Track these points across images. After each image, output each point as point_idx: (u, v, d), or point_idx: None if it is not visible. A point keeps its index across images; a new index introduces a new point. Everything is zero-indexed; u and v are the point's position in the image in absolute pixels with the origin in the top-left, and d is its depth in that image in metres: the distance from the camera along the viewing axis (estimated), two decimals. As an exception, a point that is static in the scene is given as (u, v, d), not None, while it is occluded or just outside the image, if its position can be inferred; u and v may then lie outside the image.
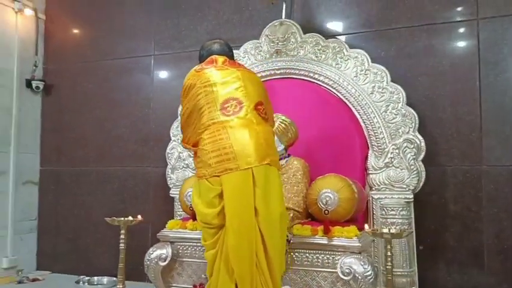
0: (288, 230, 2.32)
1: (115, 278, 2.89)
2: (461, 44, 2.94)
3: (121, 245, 2.59)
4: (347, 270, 2.16)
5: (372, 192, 2.78)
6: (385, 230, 2.16)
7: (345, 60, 2.96)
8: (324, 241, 2.28)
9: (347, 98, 2.92)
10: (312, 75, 3.02)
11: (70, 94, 4.06)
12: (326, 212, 2.36)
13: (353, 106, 2.90)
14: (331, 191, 2.37)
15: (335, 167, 2.68)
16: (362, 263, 2.15)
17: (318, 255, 2.29)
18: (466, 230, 2.81)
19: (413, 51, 3.01)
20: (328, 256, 2.28)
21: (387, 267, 2.10)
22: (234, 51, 3.19)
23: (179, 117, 2.63)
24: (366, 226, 2.18)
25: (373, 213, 2.77)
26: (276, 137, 2.58)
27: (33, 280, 3.57)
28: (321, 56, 3.02)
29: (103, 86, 3.95)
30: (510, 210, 2.72)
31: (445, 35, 2.95)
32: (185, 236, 2.57)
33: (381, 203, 2.74)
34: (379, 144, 2.80)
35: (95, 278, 3.49)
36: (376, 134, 2.81)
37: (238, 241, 1.86)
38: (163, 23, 3.74)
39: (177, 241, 2.59)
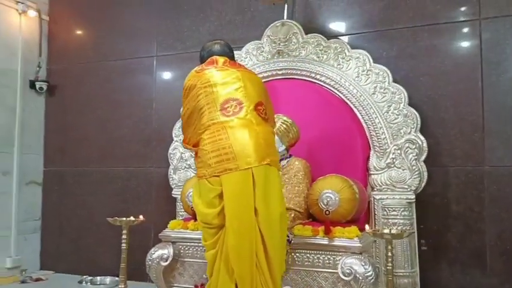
0: (289, 231, 2.32)
1: (117, 278, 2.90)
2: (463, 44, 2.93)
3: (122, 245, 2.60)
4: (348, 271, 2.16)
5: (374, 192, 2.78)
6: (386, 231, 2.16)
7: (347, 61, 2.96)
8: (325, 241, 2.27)
9: (348, 99, 2.92)
10: (313, 75, 3.02)
11: (73, 95, 4.08)
12: (327, 212, 2.36)
13: (355, 106, 2.90)
14: (332, 191, 2.37)
15: (337, 168, 2.68)
16: (363, 264, 2.15)
17: (319, 255, 2.29)
18: (468, 231, 2.79)
19: (415, 51, 3.00)
20: (329, 256, 2.27)
21: (388, 267, 2.10)
22: (236, 52, 3.23)
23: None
24: (366, 226, 2.18)
25: (375, 214, 2.76)
26: (277, 138, 2.59)
27: (37, 280, 3.59)
28: (322, 57, 3.02)
29: (105, 86, 3.97)
30: (513, 211, 2.72)
31: (447, 35, 2.94)
32: (186, 236, 2.58)
33: (383, 203, 2.74)
34: (381, 145, 2.80)
35: (98, 277, 3.50)
36: (378, 134, 2.81)
37: (238, 241, 1.87)
38: (165, 24, 3.75)
39: (179, 241, 2.60)
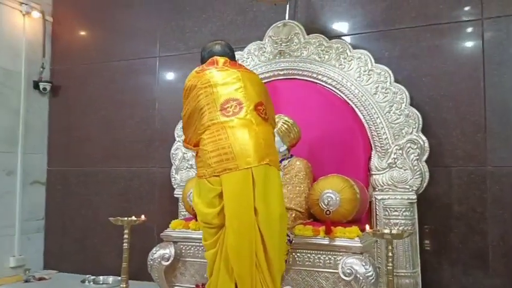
0: (290, 230, 2.33)
1: (120, 278, 2.91)
2: (466, 44, 2.92)
3: (124, 244, 2.61)
4: (348, 271, 2.16)
5: (376, 192, 2.78)
6: (386, 231, 2.15)
7: (349, 61, 2.96)
8: (326, 241, 2.28)
9: (350, 99, 2.91)
10: (315, 76, 3.02)
11: (77, 95, 4.11)
12: (328, 212, 2.36)
13: (356, 107, 2.89)
14: (333, 191, 2.38)
15: (338, 168, 2.68)
16: (364, 264, 2.15)
17: (319, 255, 2.30)
18: (470, 231, 2.78)
19: (418, 51, 2.99)
20: (330, 256, 2.28)
21: (388, 267, 2.10)
22: (238, 52, 3.26)
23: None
24: (367, 227, 2.18)
25: (376, 214, 2.76)
26: (278, 138, 2.60)
27: (40, 279, 3.62)
28: (324, 57, 3.02)
29: (109, 87, 3.99)
30: (515, 212, 2.70)
31: (450, 35, 2.93)
32: (188, 235, 2.59)
33: (384, 203, 2.73)
34: (382, 145, 2.79)
35: (101, 277, 3.52)
36: (379, 134, 2.81)
37: (238, 241, 1.88)
38: (168, 24, 3.76)
39: (180, 241, 2.61)
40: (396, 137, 2.78)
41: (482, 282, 2.73)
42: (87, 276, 3.53)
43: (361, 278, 2.12)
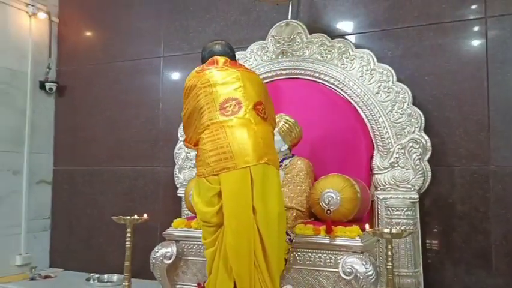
0: (291, 230, 2.34)
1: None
2: (469, 42, 2.90)
3: (127, 243, 2.63)
4: (349, 270, 2.15)
5: (378, 192, 2.77)
6: (386, 230, 2.15)
7: (351, 60, 2.95)
8: (327, 241, 2.28)
9: (352, 98, 2.91)
10: (317, 75, 3.02)
11: (83, 96, 4.15)
12: (328, 211, 2.36)
13: (359, 106, 2.89)
14: (333, 190, 2.38)
15: (340, 167, 2.68)
16: (364, 263, 2.15)
17: (320, 254, 2.30)
18: (473, 231, 2.76)
19: (420, 50, 2.98)
20: (330, 256, 2.28)
21: (388, 267, 2.10)
22: (241, 52, 3.28)
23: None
24: (367, 226, 2.18)
25: (378, 214, 2.76)
26: (280, 137, 2.62)
27: (46, 277, 3.65)
28: (326, 56, 3.02)
29: (114, 87, 4.02)
30: (518, 211, 2.69)
31: (453, 33, 2.91)
32: (190, 234, 2.60)
33: (386, 203, 2.73)
34: (384, 144, 2.79)
35: (105, 275, 3.54)
36: (381, 134, 2.80)
37: (237, 240, 1.89)
38: (172, 24, 3.79)
39: (182, 240, 2.62)
40: (399, 136, 2.77)
41: (485, 282, 2.71)
42: (92, 274, 3.56)
43: (361, 277, 2.12)
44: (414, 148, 2.72)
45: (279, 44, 3.15)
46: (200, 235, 2.48)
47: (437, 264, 2.82)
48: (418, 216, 2.73)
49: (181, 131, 3.38)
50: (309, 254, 2.32)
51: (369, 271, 2.13)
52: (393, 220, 2.69)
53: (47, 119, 4.14)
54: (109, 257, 3.79)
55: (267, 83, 3.09)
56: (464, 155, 2.83)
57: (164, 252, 2.58)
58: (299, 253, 2.33)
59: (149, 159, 3.80)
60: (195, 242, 2.58)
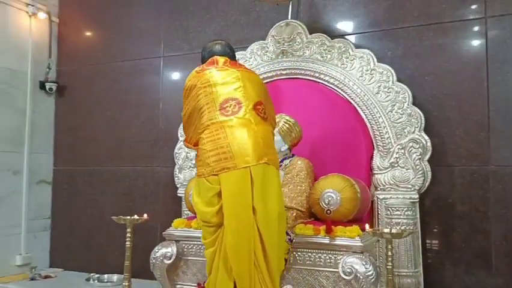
0: (291, 230, 2.34)
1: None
2: (469, 42, 2.90)
3: (127, 243, 2.63)
4: (349, 270, 2.15)
5: (378, 192, 2.77)
6: (386, 230, 2.15)
7: (351, 60, 2.95)
8: (326, 241, 2.28)
9: (352, 98, 2.91)
10: (317, 75, 3.02)
11: (83, 96, 4.15)
12: (328, 211, 2.36)
13: (359, 106, 2.89)
14: (333, 190, 2.38)
15: (340, 167, 2.68)
16: (364, 263, 2.15)
17: (320, 254, 2.30)
18: (473, 231, 2.76)
19: (420, 50, 2.98)
20: (330, 256, 2.28)
21: (388, 267, 2.10)
22: (241, 52, 3.28)
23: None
24: (366, 226, 2.18)
25: (378, 214, 2.76)
26: (280, 137, 2.62)
27: (46, 277, 3.65)
28: (326, 56, 3.02)
29: (114, 87, 4.02)
30: (518, 211, 2.69)
31: (453, 33, 2.91)
32: (190, 234, 2.60)
33: (386, 203, 2.73)
34: (384, 144, 2.79)
35: (105, 275, 3.54)
36: (381, 134, 2.80)
37: (237, 240, 1.89)
38: (172, 24, 3.79)
39: (182, 240, 2.62)
40: (399, 136, 2.77)
41: (485, 282, 2.71)
42: (92, 274, 3.56)
43: (361, 277, 2.12)
44: (414, 148, 2.72)
45: (279, 44, 3.15)
46: (200, 235, 2.48)
47: (437, 264, 2.83)
48: (418, 216, 2.73)
49: (181, 131, 3.38)
50: (309, 254, 2.32)
51: (369, 271, 2.13)
52: (393, 220, 2.69)
53: (47, 119, 4.14)
54: (109, 257, 3.80)
55: (267, 83, 3.09)
56: (464, 155, 2.83)
57: (164, 252, 2.58)
58: (299, 253, 2.33)
59: (149, 159, 3.80)
60: (195, 242, 2.58)
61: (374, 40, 3.11)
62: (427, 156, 2.73)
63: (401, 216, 2.68)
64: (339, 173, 2.51)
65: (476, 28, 2.87)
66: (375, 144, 2.83)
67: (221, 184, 1.94)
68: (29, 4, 3.90)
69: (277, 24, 3.19)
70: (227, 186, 1.92)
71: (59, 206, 4.12)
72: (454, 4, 2.92)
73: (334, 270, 2.25)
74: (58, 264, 4.04)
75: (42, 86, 4.03)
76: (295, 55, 3.11)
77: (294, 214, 2.44)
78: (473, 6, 2.88)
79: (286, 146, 2.67)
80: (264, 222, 1.91)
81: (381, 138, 2.80)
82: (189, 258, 2.61)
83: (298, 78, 3.09)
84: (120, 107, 3.95)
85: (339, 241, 2.26)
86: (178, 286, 2.63)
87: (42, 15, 4.03)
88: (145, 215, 2.67)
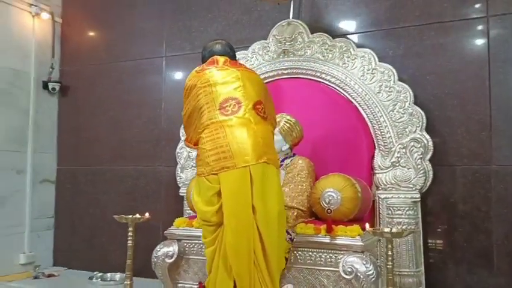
0: (292, 229, 2.35)
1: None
2: (471, 41, 2.89)
3: (128, 242, 2.64)
4: (349, 269, 2.16)
5: (379, 191, 2.78)
6: (386, 229, 2.15)
7: (352, 60, 2.95)
8: (327, 240, 2.28)
9: (353, 98, 2.91)
10: (319, 74, 3.02)
11: (86, 96, 4.17)
12: (329, 211, 2.37)
13: (360, 105, 2.89)
14: (334, 190, 2.38)
15: (342, 167, 2.68)
16: (364, 262, 2.15)
17: (321, 254, 2.30)
18: (475, 230, 2.76)
19: (422, 50, 2.97)
20: (331, 255, 2.28)
21: (388, 266, 2.09)
22: (243, 51, 3.29)
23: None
24: (367, 225, 2.18)
25: (379, 213, 2.76)
26: (281, 137, 2.62)
27: (49, 276, 3.68)
28: (328, 56, 3.02)
29: (117, 87, 4.04)
30: (520, 211, 2.68)
31: (454, 33, 2.91)
32: (191, 233, 2.60)
33: (388, 202, 2.73)
34: (386, 144, 2.79)
35: (108, 274, 3.57)
36: (383, 133, 2.80)
37: (236, 239, 1.90)
38: (174, 25, 3.80)
39: (184, 239, 2.63)
40: (400, 135, 2.77)
41: (486, 281, 2.71)
42: (95, 273, 3.58)
43: (361, 276, 2.12)
44: (415, 147, 2.72)
45: (280, 44, 3.16)
46: (201, 234, 2.51)
47: (438, 263, 2.82)
48: (420, 215, 2.73)
49: (182, 131, 3.38)
50: (310, 253, 2.32)
51: (370, 270, 2.13)
52: (394, 220, 2.69)
53: (50, 119, 4.16)
54: (112, 256, 3.81)
55: (268, 82, 3.10)
56: (466, 154, 2.82)
57: (165, 251, 2.59)
58: (300, 252, 2.34)
59: (151, 158, 3.82)
60: (196, 241, 2.58)
61: (376, 39, 3.11)
62: (428, 156, 2.73)
63: (403, 216, 2.68)
64: (340, 173, 2.51)
65: (477, 27, 2.86)
66: (376, 144, 2.83)
67: (221, 183, 1.95)
68: (32, 4, 3.93)
69: (278, 23, 3.20)
70: (227, 186, 1.93)
71: (62, 205, 4.15)
72: (455, 3, 2.91)
73: (335, 269, 2.25)
74: (61, 263, 4.06)
75: (45, 85, 4.06)
76: (297, 54, 3.11)
77: (295, 213, 2.45)
78: (475, 5, 2.87)
79: (287, 146, 2.67)
80: (263, 222, 1.92)
81: (383, 137, 2.80)
82: (190, 257, 2.62)
83: (300, 77, 3.10)
84: (123, 107, 3.97)
85: (339, 240, 2.26)
86: (179, 285, 2.64)
87: (45, 16, 4.05)
88: (147, 214, 2.69)
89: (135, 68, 3.96)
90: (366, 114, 2.87)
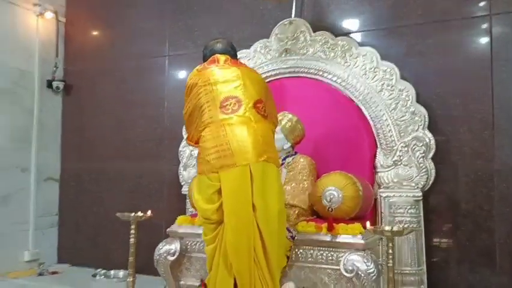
0: (293, 227, 2.35)
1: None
2: (474, 40, 2.88)
3: (131, 239, 2.66)
4: (350, 268, 2.16)
5: (381, 190, 2.77)
6: (386, 228, 2.15)
7: (354, 58, 2.95)
8: (328, 238, 2.29)
9: (355, 96, 2.91)
10: (321, 73, 3.02)
11: (89, 95, 4.20)
12: (330, 209, 2.37)
13: (362, 104, 2.89)
14: (335, 188, 2.37)
15: (343, 165, 2.68)
16: (365, 261, 2.15)
17: (322, 252, 2.31)
18: (477, 229, 2.75)
19: (425, 48, 2.96)
20: (332, 253, 2.28)
21: (389, 265, 2.09)
22: (245, 50, 3.30)
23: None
24: (367, 223, 2.18)
25: (381, 212, 2.75)
26: (282, 135, 2.63)
27: (53, 273, 3.71)
28: (329, 54, 3.02)
29: (120, 86, 4.06)
30: (523, 210, 2.67)
31: (457, 31, 2.90)
32: (193, 231, 2.61)
33: (390, 201, 2.73)
34: (388, 143, 2.79)
35: (112, 271, 3.58)
36: (385, 132, 2.80)
37: (236, 237, 1.91)
38: (177, 24, 3.81)
39: (186, 236, 2.64)
40: (402, 134, 2.77)
41: (489, 280, 2.70)
42: (98, 270, 3.60)
43: (362, 274, 2.12)
44: (417, 146, 2.72)
45: (282, 43, 3.16)
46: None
47: (441, 262, 2.82)
48: (422, 214, 2.72)
49: (185, 129, 3.40)
50: (311, 251, 2.33)
51: (371, 269, 2.13)
52: (396, 218, 2.69)
53: (54, 118, 4.19)
54: (115, 254, 3.83)
55: (270, 81, 3.11)
56: (468, 153, 2.81)
57: (168, 248, 2.61)
58: (301, 250, 2.34)
59: (154, 157, 3.84)
60: (198, 239, 2.58)
61: (378, 38, 3.11)
62: (431, 154, 2.73)
63: (404, 214, 2.68)
64: (341, 171, 2.52)
65: (480, 26, 2.85)
66: (378, 143, 2.83)
67: (221, 181, 1.96)
68: (36, 4, 3.95)
69: (280, 22, 3.20)
70: (227, 184, 1.94)
71: (67, 203, 4.18)
72: (458, 2, 2.90)
73: (336, 267, 2.25)
74: (66, 260, 4.09)
75: (49, 84, 4.09)
76: (299, 53, 3.11)
77: (297, 212, 2.46)
78: (478, 4, 2.86)
79: (289, 144, 2.68)
80: (263, 220, 1.93)
81: (385, 136, 2.80)
82: (192, 254, 2.63)
83: (302, 76, 3.09)
84: (126, 106, 3.99)
85: (340, 239, 2.27)
86: (181, 282, 2.65)
87: (49, 15, 4.08)
88: (149, 212, 2.70)
89: (138, 67, 3.97)
90: (368, 112, 2.86)
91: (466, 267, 2.77)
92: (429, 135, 2.73)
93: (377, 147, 2.84)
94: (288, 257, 2.31)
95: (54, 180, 4.17)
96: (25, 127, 3.88)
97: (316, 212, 2.54)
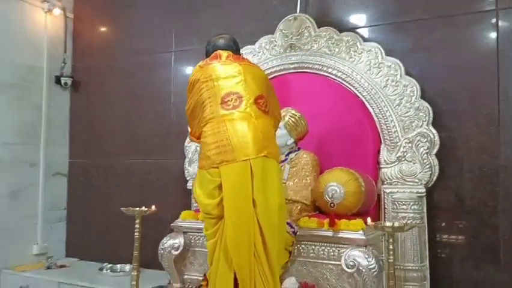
0: (295, 222, 2.36)
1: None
2: (480, 35, 2.84)
3: (135, 234, 2.69)
4: (351, 263, 2.17)
5: (384, 186, 2.77)
6: (388, 224, 2.15)
7: (359, 54, 2.94)
8: (330, 234, 2.29)
9: (359, 92, 2.90)
10: (325, 69, 3.01)
11: (97, 91, 4.23)
12: (332, 205, 2.37)
13: (366, 100, 2.88)
14: (337, 184, 2.38)
15: (347, 161, 2.68)
16: (367, 256, 2.16)
17: (324, 247, 2.32)
18: (482, 226, 2.73)
19: (430, 43, 2.93)
20: (334, 249, 2.29)
21: (389, 261, 2.09)
22: (250, 46, 3.31)
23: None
24: (368, 219, 2.18)
25: (385, 208, 2.75)
26: (286, 131, 2.64)
27: (61, 266, 3.77)
28: (334, 50, 3.01)
29: (127, 82, 4.09)
30: (528, 206, 2.64)
31: (463, 26, 2.86)
32: (197, 226, 2.63)
33: (393, 197, 2.72)
34: (391, 138, 2.78)
35: (118, 265, 3.64)
36: (389, 128, 2.79)
37: (237, 233, 1.92)
38: (183, 20, 3.83)
39: (189, 231, 2.67)
40: (406, 130, 2.75)
41: (493, 277, 2.68)
42: (105, 264, 3.66)
43: (364, 270, 2.13)
44: (421, 142, 2.71)
45: (287, 38, 3.16)
46: (203, 226, 2.54)
47: (445, 258, 2.80)
48: (425, 210, 2.71)
49: (190, 125, 3.42)
50: (313, 247, 2.34)
51: (372, 264, 2.14)
52: (399, 214, 2.68)
53: (63, 113, 4.24)
54: (122, 248, 3.86)
55: (275, 77, 3.11)
56: (473, 148, 2.78)
57: (172, 243, 2.64)
58: (303, 246, 2.36)
59: (161, 152, 3.87)
60: (202, 234, 2.59)
61: (384, 33, 3.09)
62: (435, 150, 2.71)
63: (408, 210, 2.67)
64: (344, 167, 2.52)
65: (486, 20, 2.81)
66: (382, 138, 2.82)
67: (221, 177, 1.97)
68: (45, 0, 3.99)
69: (285, 18, 3.20)
70: (227, 179, 1.96)
71: (75, 198, 4.24)
72: (464, -4, 2.88)
73: (337, 263, 2.26)
74: (74, 254, 4.14)
75: (57, 80, 4.13)
76: (303, 49, 3.11)
77: (299, 207, 2.47)
78: (484, -2, 2.83)
79: (292, 140, 2.68)
80: (264, 215, 1.94)
81: (389, 132, 2.79)
82: (196, 249, 2.66)
83: (306, 72, 3.09)
84: (134, 102, 4.02)
85: (342, 234, 2.27)
86: (185, 276, 2.69)
87: (57, 12, 4.11)
88: (153, 207, 2.73)
89: (145, 63, 4.00)
90: (372, 108, 2.85)
91: (470, 264, 2.75)
92: (434, 131, 2.72)
93: (380, 143, 2.84)
94: (290, 252, 2.32)
95: (63, 175, 4.22)
96: (34, 123, 3.93)
97: (319, 208, 2.55)
